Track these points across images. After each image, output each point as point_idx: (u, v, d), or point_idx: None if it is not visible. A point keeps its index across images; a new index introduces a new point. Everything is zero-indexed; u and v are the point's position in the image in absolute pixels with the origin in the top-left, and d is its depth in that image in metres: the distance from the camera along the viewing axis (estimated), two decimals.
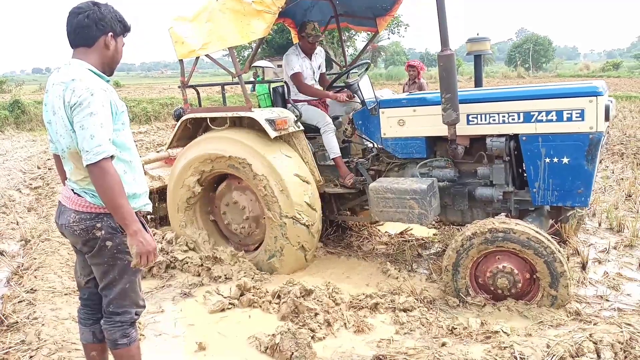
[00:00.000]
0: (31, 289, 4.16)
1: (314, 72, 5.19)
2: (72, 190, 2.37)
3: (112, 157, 2.18)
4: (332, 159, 4.83)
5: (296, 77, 4.97)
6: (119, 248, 2.35)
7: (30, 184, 8.70)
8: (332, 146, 4.80)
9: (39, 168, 10.16)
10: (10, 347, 3.30)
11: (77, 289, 2.70)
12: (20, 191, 8.19)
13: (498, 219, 3.77)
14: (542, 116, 3.85)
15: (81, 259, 2.51)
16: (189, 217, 5.03)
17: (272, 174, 4.43)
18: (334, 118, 5.06)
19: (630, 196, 6.34)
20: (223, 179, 4.97)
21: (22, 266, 4.84)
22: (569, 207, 4.22)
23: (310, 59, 5.16)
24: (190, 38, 4.61)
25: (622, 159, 8.77)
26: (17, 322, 3.62)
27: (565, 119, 3.78)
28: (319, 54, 5.28)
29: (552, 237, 4.05)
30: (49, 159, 10.71)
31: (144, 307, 2.57)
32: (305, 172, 4.63)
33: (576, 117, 3.74)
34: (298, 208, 4.46)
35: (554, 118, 3.82)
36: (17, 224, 6.19)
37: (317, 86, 5.29)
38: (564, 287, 3.53)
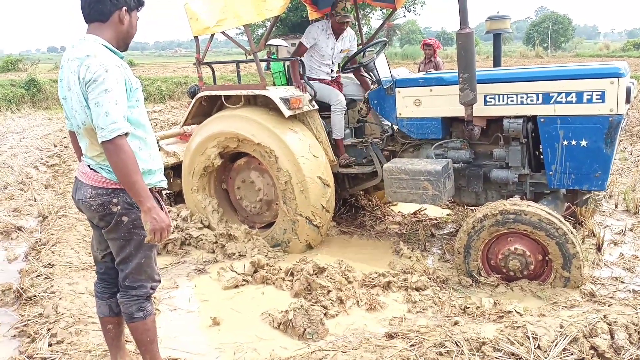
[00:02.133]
0: (49, 264, 4.24)
1: (334, 53, 5.08)
2: (89, 166, 2.39)
3: (126, 134, 2.18)
4: (335, 139, 4.84)
5: (299, 47, 4.98)
6: (135, 223, 2.37)
7: (47, 162, 8.82)
8: (339, 127, 4.80)
9: (55, 146, 10.27)
10: (28, 320, 3.39)
11: (94, 263, 2.74)
12: (37, 169, 8.31)
13: (509, 201, 3.74)
14: (562, 97, 3.78)
15: (98, 234, 2.55)
16: (202, 183, 5.03)
17: (297, 173, 4.41)
18: (350, 99, 5.02)
19: None
20: (243, 152, 4.92)
21: (39, 241, 4.93)
22: (586, 191, 4.17)
23: (337, 39, 5.04)
24: (205, 14, 4.57)
25: None
26: (35, 296, 3.71)
27: (585, 100, 3.71)
28: (347, 37, 5.14)
29: (567, 219, 4.02)
30: (65, 137, 10.82)
31: (160, 281, 2.60)
32: (320, 153, 4.62)
33: (596, 99, 3.66)
34: (313, 210, 4.48)
35: (574, 100, 3.75)
36: (35, 201, 6.29)
37: (335, 67, 5.21)
38: (576, 268, 3.51)
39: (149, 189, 2.29)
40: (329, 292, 3.64)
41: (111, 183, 2.34)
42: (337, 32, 5.01)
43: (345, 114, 4.91)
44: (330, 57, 5.07)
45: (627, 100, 3.63)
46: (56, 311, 3.40)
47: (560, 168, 3.92)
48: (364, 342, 3.01)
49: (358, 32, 6.14)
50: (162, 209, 2.32)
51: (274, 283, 4.01)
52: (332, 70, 5.18)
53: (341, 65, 5.30)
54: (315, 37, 4.94)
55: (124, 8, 2.34)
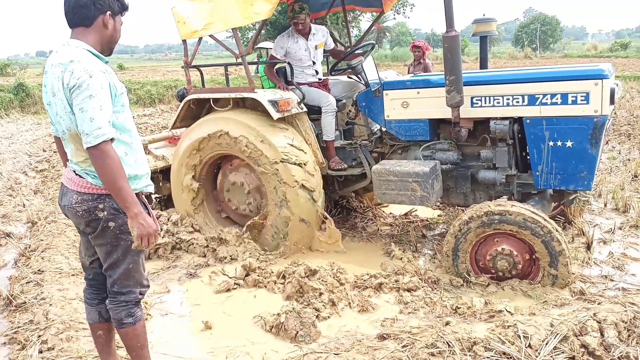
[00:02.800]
0: (38, 270, 4.21)
1: (310, 53, 5.06)
2: (74, 171, 2.38)
3: (112, 139, 2.17)
4: (325, 141, 4.84)
5: (270, 58, 5.09)
6: (121, 229, 2.36)
7: (36, 167, 8.75)
8: (330, 129, 4.80)
9: (44, 151, 10.20)
10: (19, 327, 3.36)
11: (82, 269, 2.73)
12: (26, 174, 8.25)
13: (494, 202, 3.78)
14: (547, 99, 3.82)
15: (85, 240, 2.54)
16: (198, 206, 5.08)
17: (250, 133, 4.46)
18: (338, 100, 5.04)
19: (636, 177, 6.31)
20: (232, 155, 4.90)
21: (29, 248, 4.89)
22: (572, 191, 4.21)
23: (307, 38, 5.04)
24: (192, 18, 4.57)
25: (629, 139, 8.71)
26: (25, 303, 3.68)
27: (570, 102, 3.75)
28: (318, 33, 5.12)
29: (556, 218, 4.04)
30: (54, 142, 10.72)
31: (148, 286, 2.59)
32: (309, 155, 4.62)
33: (581, 100, 3.71)
34: (283, 150, 4.45)
35: (559, 101, 3.79)
36: (24, 206, 6.24)
37: (318, 67, 5.20)
38: (563, 265, 3.55)
39: (136, 194, 2.28)
40: (320, 294, 3.65)
41: (97, 189, 2.33)
42: (303, 33, 4.99)
43: (335, 116, 4.92)
44: (308, 58, 5.04)
45: (612, 101, 3.67)
46: (46, 318, 3.38)
47: (546, 169, 3.95)
48: (356, 344, 3.02)
49: (347, 35, 6.17)
50: (149, 214, 2.31)
51: (265, 286, 4.01)
52: (317, 72, 5.16)
53: (329, 68, 5.31)
54: (283, 46, 4.95)
55: (108, 12, 2.33)
